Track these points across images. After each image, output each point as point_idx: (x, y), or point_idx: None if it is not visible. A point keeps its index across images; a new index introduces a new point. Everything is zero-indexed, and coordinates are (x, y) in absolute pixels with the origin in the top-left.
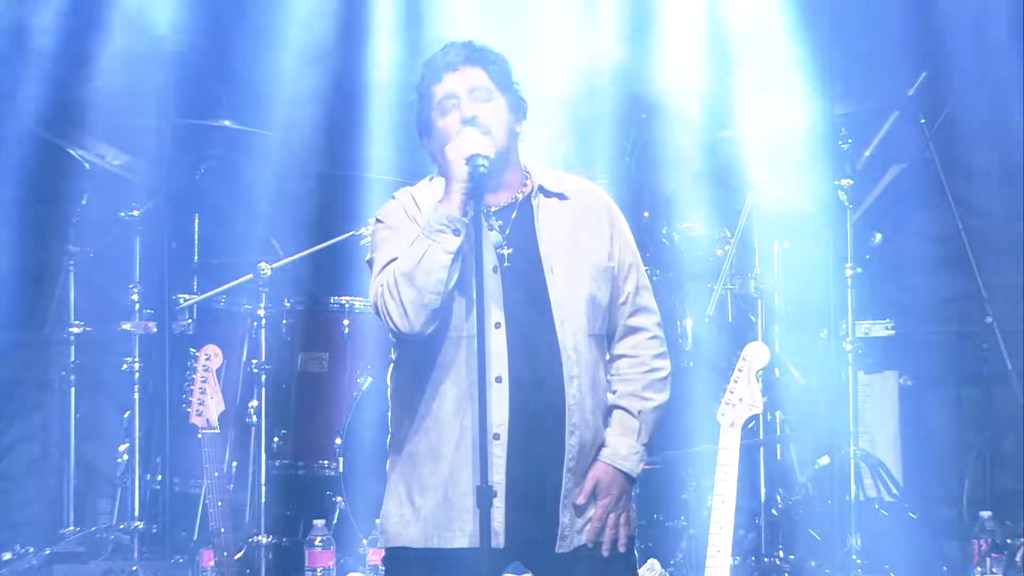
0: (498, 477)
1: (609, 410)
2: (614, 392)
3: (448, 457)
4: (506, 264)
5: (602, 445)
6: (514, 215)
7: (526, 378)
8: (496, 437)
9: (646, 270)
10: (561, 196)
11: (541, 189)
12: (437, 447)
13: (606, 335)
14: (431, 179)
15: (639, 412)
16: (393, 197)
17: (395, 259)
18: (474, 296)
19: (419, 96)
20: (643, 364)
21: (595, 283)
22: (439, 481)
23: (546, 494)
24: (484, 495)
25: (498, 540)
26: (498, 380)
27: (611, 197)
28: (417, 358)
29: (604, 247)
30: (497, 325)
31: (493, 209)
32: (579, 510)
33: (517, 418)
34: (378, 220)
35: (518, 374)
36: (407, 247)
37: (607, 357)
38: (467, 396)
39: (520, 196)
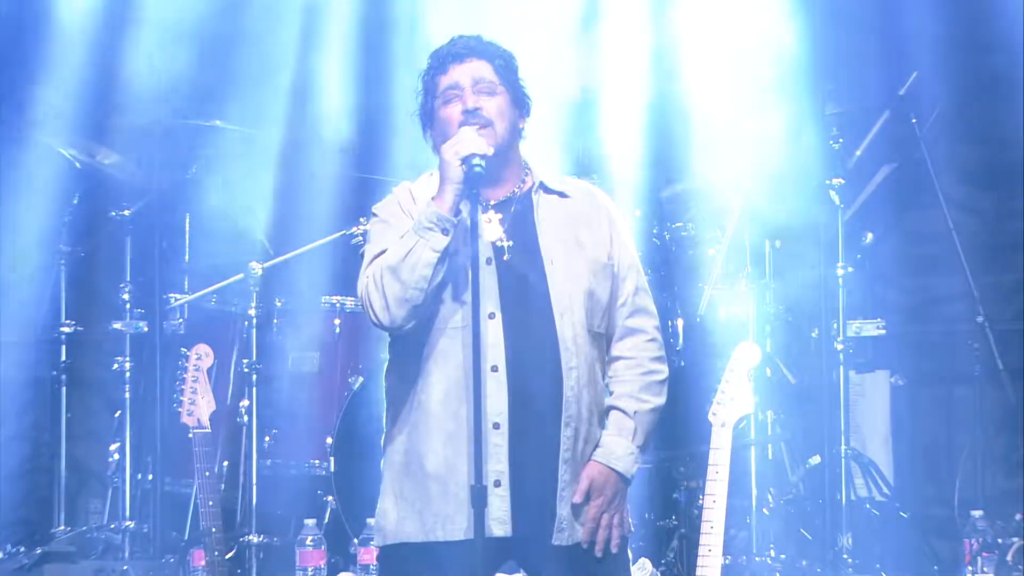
0: (500, 466)
1: (606, 411)
2: (611, 393)
3: (445, 449)
4: (505, 257)
5: (597, 444)
6: (513, 209)
7: (524, 367)
8: (496, 426)
9: None
10: (562, 194)
11: (542, 185)
12: (433, 440)
13: (605, 335)
14: (431, 173)
15: (635, 413)
16: (392, 191)
17: (384, 251)
18: (467, 288)
19: (423, 87)
20: (640, 366)
21: (594, 278)
22: (439, 474)
23: (545, 485)
24: (478, 495)
25: (505, 528)
26: (494, 369)
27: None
28: (410, 353)
29: (604, 246)
30: (491, 315)
31: (492, 202)
32: (576, 507)
33: (516, 407)
34: (373, 213)
35: (515, 363)
36: (397, 240)
37: (605, 358)
38: (461, 387)
39: (519, 191)
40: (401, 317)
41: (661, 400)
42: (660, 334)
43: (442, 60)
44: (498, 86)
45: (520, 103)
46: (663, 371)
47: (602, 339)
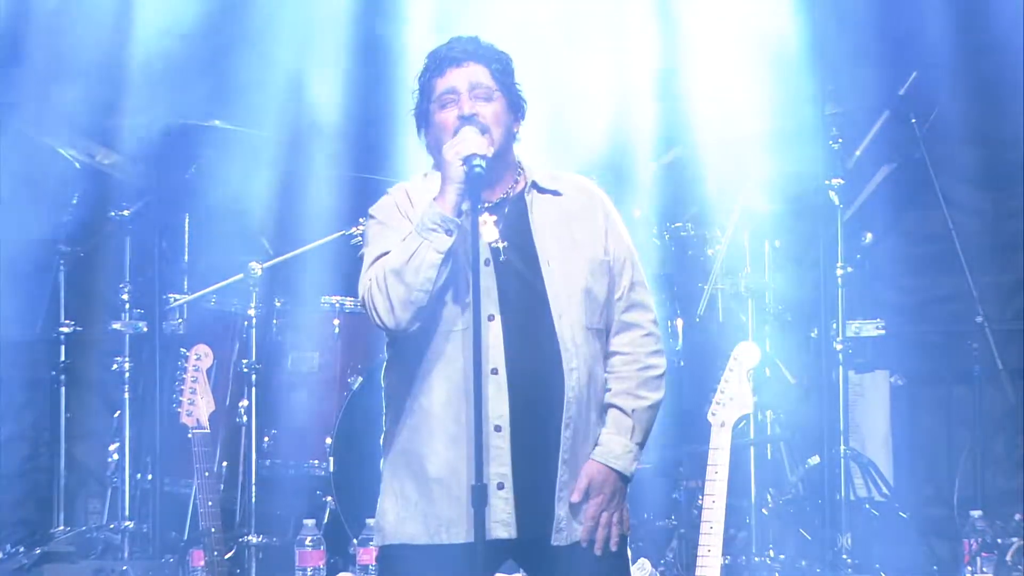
0: (503, 469)
1: (604, 408)
2: (608, 390)
3: (448, 452)
4: (501, 258)
5: (596, 441)
6: (507, 209)
7: (524, 370)
8: (498, 429)
9: None
10: (555, 193)
11: (534, 185)
12: (436, 442)
13: (605, 329)
14: (426, 175)
15: (633, 411)
16: (387, 193)
17: (386, 253)
18: (467, 290)
19: (420, 88)
20: (637, 361)
21: (592, 276)
22: (442, 477)
23: (547, 486)
24: (479, 493)
25: (509, 531)
26: (494, 372)
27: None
28: (409, 355)
29: (599, 241)
30: (491, 318)
31: (486, 204)
32: (574, 506)
33: (516, 409)
34: (370, 215)
35: (515, 366)
36: (399, 243)
37: (606, 352)
38: (461, 390)
39: (512, 192)
40: (406, 319)
41: (659, 395)
42: (657, 328)
43: (439, 63)
44: (495, 91)
45: (516, 107)
46: (660, 366)
47: (602, 334)
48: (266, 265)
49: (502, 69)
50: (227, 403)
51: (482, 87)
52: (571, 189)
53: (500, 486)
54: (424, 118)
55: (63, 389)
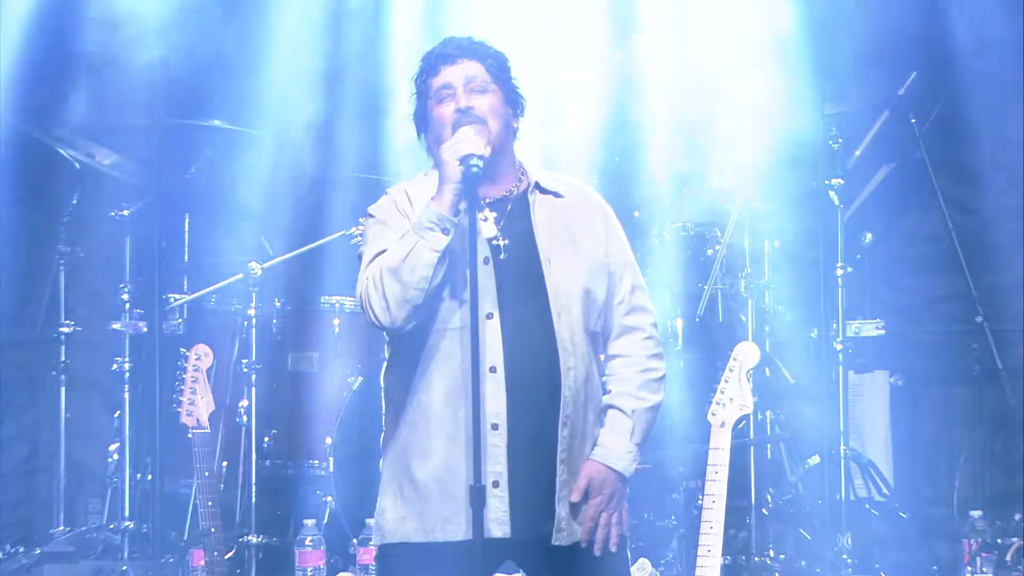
0: (499, 467)
1: (604, 409)
2: (608, 392)
3: (444, 450)
4: (501, 256)
5: (595, 442)
6: (509, 207)
7: (522, 368)
8: (495, 427)
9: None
10: (556, 194)
11: (537, 186)
12: (434, 440)
13: (601, 334)
14: (425, 174)
15: (633, 412)
16: (387, 192)
17: (383, 252)
18: (465, 288)
19: (416, 90)
20: (638, 364)
21: (592, 278)
22: (438, 475)
23: (543, 485)
24: (477, 495)
25: (504, 530)
26: (492, 370)
27: (602, 196)
28: (408, 354)
29: (600, 245)
30: (489, 316)
31: (487, 200)
32: (574, 506)
33: (514, 408)
34: (370, 214)
35: (513, 364)
36: (396, 241)
37: (601, 357)
38: (460, 388)
39: (516, 190)
40: (402, 318)
41: (659, 398)
42: (657, 331)
43: (433, 62)
44: (490, 84)
45: (513, 102)
46: (660, 368)
47: (598, 338)
48: (266, 265)
49: (497, 64)
50: (227, 403)
51: (477, 81)
52: (572, 192)
53: (495, 484)
54: (422, 119)
55: (63, 389)
